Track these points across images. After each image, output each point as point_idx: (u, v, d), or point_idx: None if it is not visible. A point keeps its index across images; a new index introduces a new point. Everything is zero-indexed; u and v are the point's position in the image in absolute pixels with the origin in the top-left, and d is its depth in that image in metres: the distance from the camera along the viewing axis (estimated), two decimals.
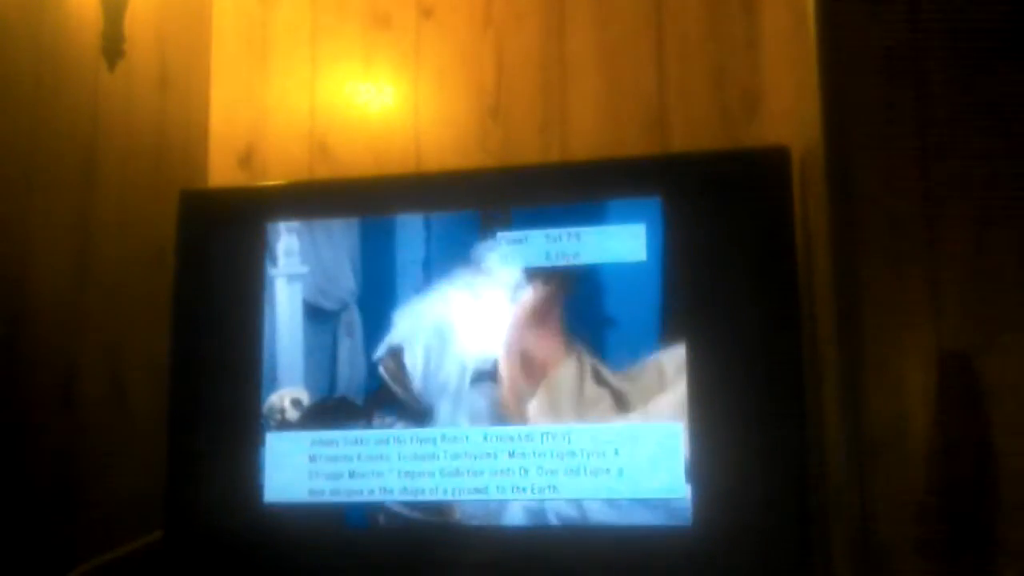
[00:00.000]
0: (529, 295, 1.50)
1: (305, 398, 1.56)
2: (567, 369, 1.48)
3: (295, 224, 1.60)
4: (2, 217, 1.43)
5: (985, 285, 1.19)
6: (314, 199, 1.68)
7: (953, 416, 1.18)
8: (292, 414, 1.56)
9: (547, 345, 1.49)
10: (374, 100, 1.95)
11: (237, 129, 1.99)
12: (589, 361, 1.47)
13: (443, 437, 1.50)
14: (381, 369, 1.54)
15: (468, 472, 1.49)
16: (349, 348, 1.56)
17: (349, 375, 1.55)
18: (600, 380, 1.47)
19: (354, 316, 1.56)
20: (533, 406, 1.48)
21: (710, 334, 1.44)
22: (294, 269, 1.60)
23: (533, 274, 1.51)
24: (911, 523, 1.18)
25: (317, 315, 1.58)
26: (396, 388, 1.53)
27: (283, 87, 1.99)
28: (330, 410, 1.55)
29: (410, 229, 1.56)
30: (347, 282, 1.58)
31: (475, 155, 1.87)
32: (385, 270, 1.56)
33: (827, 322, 1.29)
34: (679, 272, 1.46)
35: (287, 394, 1.57)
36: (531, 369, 1.50)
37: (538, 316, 1.50)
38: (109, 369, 1.64)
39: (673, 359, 1.44)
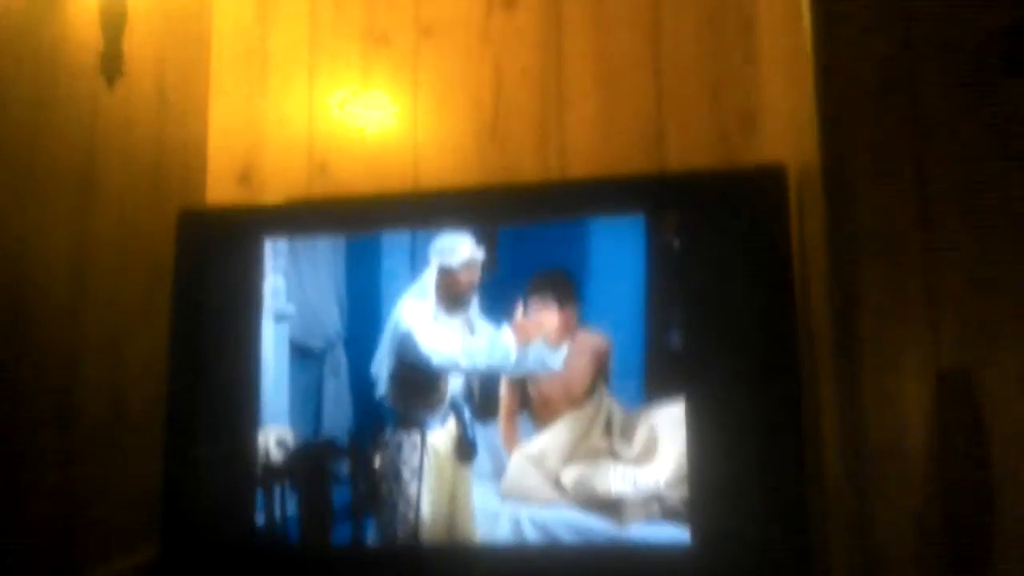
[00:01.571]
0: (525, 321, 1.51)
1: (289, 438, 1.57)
2: (583, 413, 1.49)
3: (284, 251, 1.61)
4: (1, 234, 1.43)
5: (983, 299, 1.19)
6: (312, 217, 1.68)
7: (951, 428, 1.18)
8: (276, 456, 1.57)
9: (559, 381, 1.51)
10: (372, 118, 1.95)
11: (235, 147, 2.00)
12: (607, 402, 1.48)
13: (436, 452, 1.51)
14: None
15: (463, 490, 1.49)
16: (332, 389, 1.57)
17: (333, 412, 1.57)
18: (609, 424, 1.47)
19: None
20: (536, 441, 1.49)
21: (708, 350, 1.43)
22: (282, 307, 1.61)
23: (528, 300, 1.51)
24: (910, 534, 1.17)
25: (305, 354, 1.59)
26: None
27: (281, 106, 2.00)
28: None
29: (417, 246, 1.57)
30: (333, 312, 1.59)
31: (473, 173, 1.87)
32: (391, 283, 1.57)
33: (825, 335, 1.29)
34: (675, 289, 1.46)
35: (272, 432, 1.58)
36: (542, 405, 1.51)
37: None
38: (107, 385, 1.63)
39: (671, 378, 1.44)
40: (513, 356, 1.50)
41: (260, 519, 1.54)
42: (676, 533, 1.41)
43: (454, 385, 1.53)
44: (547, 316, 1.50)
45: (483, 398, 1.52)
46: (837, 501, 1.26)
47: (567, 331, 1.49)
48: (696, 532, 1.40)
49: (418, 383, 1.53)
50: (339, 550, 1.53)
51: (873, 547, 1.18)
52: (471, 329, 1.53)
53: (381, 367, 1.54)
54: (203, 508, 1.55)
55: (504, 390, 1.51)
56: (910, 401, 1.21)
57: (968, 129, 1.23)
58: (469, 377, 1.53)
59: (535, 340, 1.49)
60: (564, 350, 1.48)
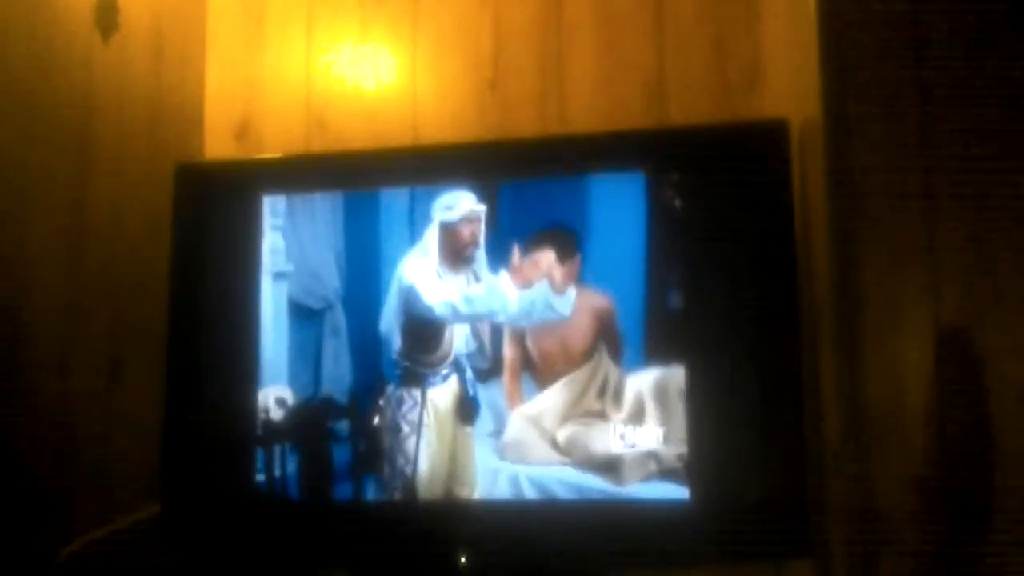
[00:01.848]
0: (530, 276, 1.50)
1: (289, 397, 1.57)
2: (582, 372, 1.49)
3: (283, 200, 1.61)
4: None
5: (984, 258, 1.19)
6: (311, 172, 1.67)
7: (951, 391, 1.18)
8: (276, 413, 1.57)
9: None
10: (371, 72, 1.93)
11: (233, 102, 1.98)
12: (605, 363, 1.48)
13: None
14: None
15: (464, 448, 1.49)
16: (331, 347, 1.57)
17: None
18: (606, 383, 1.48)
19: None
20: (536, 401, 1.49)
21: (708, 308, 1.43)
22: (280, 264, 1.60)
23: (527, 253, 1.51)
24: (909, 497, 1.18)
25: (304, 312, 1.59)
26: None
27: (279, 59, 1.97)
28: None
29: (416, 202, 1.56)
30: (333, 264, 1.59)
31: (473, 128, 1.86)
32: (390, 240, 1.56)
33: (825, 295, 1.29)
34: (672, 246, 1.46)
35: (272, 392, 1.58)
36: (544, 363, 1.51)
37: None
38: (106, 343, 1.63)
39: (671, 337, 1.44)
40: (514, 302, 1.49)
41: (260, 477, 1.55)
42: (674, 490, 1.41)
43: (459, 344, 1.52)
44: (546, 259, 1.49)
45: (486, 356, 1.52)
46: (836, 461, 1.26)
47: (569, 281, 1.48)
48: (694, 492, 1.40)
49: (422, 340, 1.53)
50: (339, 508, 1.54)
51: (872, 506, 1.19)
52: (476, 282, 1.53)
53: (389, 326, 1.53)
54: (203, 466, 1.56)
55: (507, 348, 1.51)
56: (910, 360, 1.21)
57: (974, 85, 1.22)
58: (472, 330, 1.52)
59: (536, 284, 1.48)
60: (571, 296, 1.48)
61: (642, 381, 1.45)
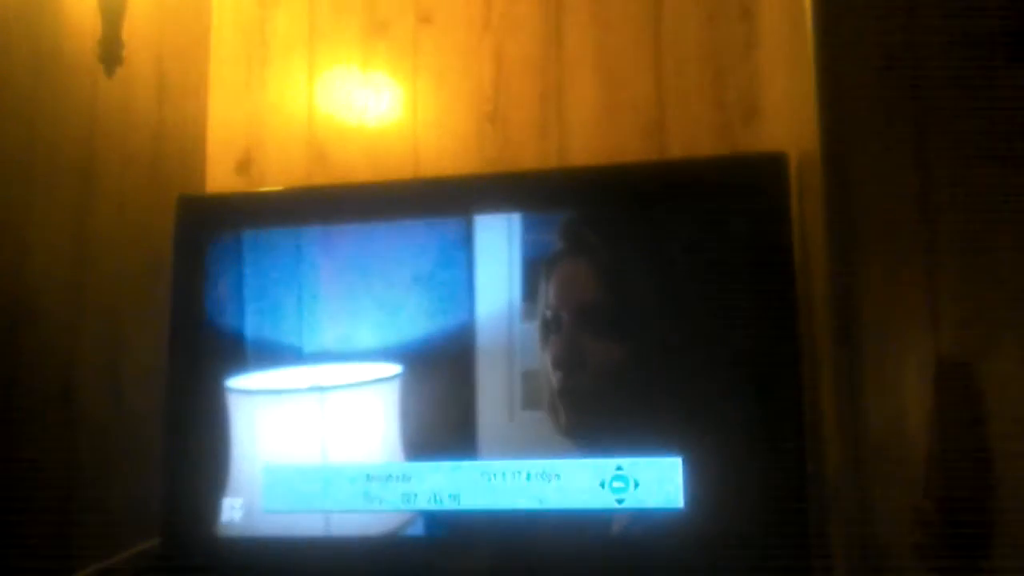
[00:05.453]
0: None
1: None
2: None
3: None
4: (1, 222, 1.43)
5: (983, 289, 1.19)
6: (312, 205, 1.68)
7: (951, 420, 1.18)
8: None
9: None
10: (372, 106, 1.95)
11: (235, 135, 1.99)
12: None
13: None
14: None
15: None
16: None
17: None
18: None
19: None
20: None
21: (708, 337, 1.43)
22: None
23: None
24: (909, 527, 1.17)
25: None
26: None
27: (281, 93, 1.99)
28: None
29: (414, 234, 1.57)
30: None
31: (473, 161, 1.87)
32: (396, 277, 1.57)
33: (825, 326, 1.29)
34: (675, 277, 1.46)
35: None
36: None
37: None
38: (107, 374, 1.63)
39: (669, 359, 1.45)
40: None
41: (265, 509, 1.54)
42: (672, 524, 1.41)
43: None
44: None
45: None
46: (837, 490, 1.26)
47: None
48: (692, 525, 1.40)
49: None
50: (341, 538, 1.53)
51: (872, 537, 1.19)
52: None
53: None
54: (204, 496, 1.55)
55: None
56: (910, 389, 1.21)
57: (970, 118, 1.22)
58: None
59: None
60: None
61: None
